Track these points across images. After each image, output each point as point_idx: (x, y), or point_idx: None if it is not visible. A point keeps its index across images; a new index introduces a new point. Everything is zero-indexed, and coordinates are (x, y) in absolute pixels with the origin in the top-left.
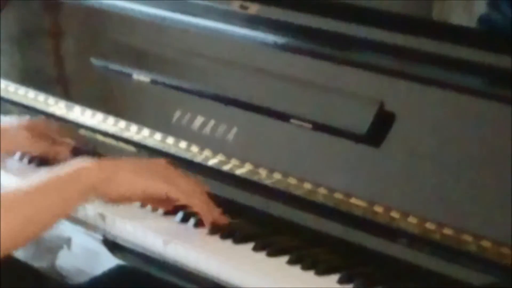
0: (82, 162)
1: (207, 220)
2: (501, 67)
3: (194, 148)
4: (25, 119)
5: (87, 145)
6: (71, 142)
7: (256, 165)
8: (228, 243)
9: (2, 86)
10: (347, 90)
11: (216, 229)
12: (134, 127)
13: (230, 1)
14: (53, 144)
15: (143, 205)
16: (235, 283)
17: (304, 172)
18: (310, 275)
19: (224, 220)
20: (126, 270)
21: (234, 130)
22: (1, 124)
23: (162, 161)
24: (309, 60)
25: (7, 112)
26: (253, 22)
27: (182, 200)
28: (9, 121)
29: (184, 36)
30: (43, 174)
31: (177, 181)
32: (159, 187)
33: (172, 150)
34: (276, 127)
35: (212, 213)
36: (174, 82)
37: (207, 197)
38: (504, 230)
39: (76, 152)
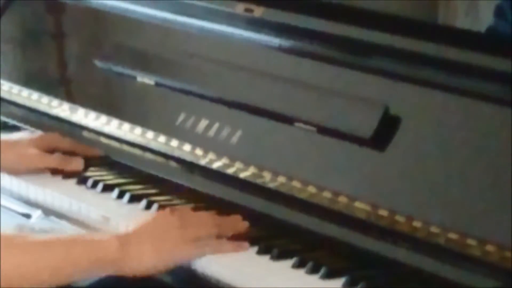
0: (101, 235)
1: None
2: (507, 72)
3: (198, 151)
4: (36, 134)
5: (98, 157)
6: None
7: (260, 168)
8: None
9: (6, 88)
10: (352, 94)
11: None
12: (138, 130)
13: (235, 4)
14: (64, 158)
15: (146, 208)
16: (239, 286)
17: (309, 176)
18: (314, 279)
19: (245, 246)
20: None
21: (239, 133)
22: (9, 141)
23: (169, 218)
24: (314, 63)
25: (10, 114)
26: (258, 25)
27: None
28: (20, 136)
29: (189, 39)
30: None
31: (191, 233)
32: (182, 258)
33: (176, 153)
34: (281, 130)
35: (232, 245)
36: (179, 84)
37: (224, 219)
38: (508, 234)
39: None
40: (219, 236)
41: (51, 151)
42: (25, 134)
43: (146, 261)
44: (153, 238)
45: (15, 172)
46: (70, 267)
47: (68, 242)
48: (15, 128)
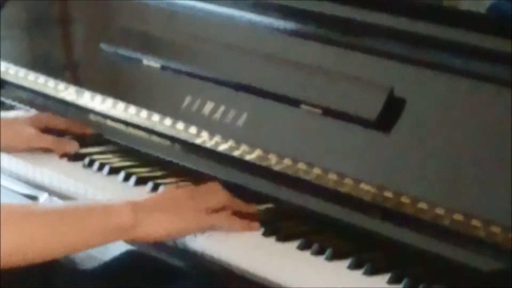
0: (113, 202)
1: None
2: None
3: (204, 134)
4: (31, 113)
5: (93, 135)
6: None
7: (266, 151)
8: None
9: (12, 71)
10: (357, 76)
11: None
12: (144, 113)
13: None
14: (60, 140)
15: (152, 191)
16: (245, 268)
17: (314, 158)
18: (320, 260)
19: (255, 226)
20: (136, 255)
21: (244, 115)
22: (7, 119)
23: (183, 193)
24: (319, 46)
25: (17, 98)
26: (263, 7)
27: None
28: (15, 116)
29: (194, 22)
30: (79, 202)
31: (206, 204)
32: (196, 226)
33: (182, 136)
34: (286, 112)
35: (243, 223)
36: (184, 67)
37: (235, 199)
38: None
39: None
40: (228, 210)
41: (47, 130)
42: (20, 113)
43: (158, 227)
44: (165, 206)
45: (12, 150)
46: (85, 237)
47: (82, 212)
48: (11, 107)
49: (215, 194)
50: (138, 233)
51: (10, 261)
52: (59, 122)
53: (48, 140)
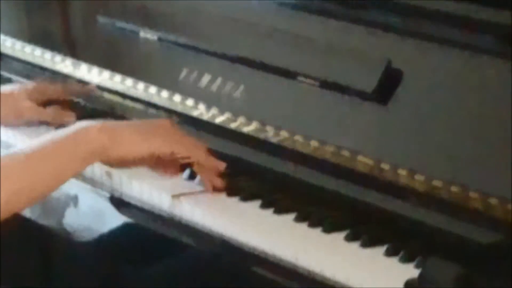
0: (83, 125)
1: (207, 183)
2: (508, 25)
3: (201, 106)
4: (26, 85)
5: (92, 98)
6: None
7: (263, 123)
8: (235, 200)
9: (9, 44)
10: (354, 48)
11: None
12: (141, 85)
13: None
14: (59, 110)
15: None
16: (242, 240)
17: (311, 130)
18: (317, 232)
19: (221, 185)
20: (133, 228)
21: (241, 88)
22: (3, 93)
23: (165, 121)
24: (316, 18)
25: (13, 70)
26: None
27: (187, 157)
28: (11, 88)
29: None
30: (44, 138)
31: (181, 140)
32: (163, 147)
33: (179, 108)
34: (283, 85)
35: (212, 178)
36: (182, 40)
37: (210, 155)
38: (510, 188)
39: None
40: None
41: (45, 101)
42: (16, 86)
43: (128, 143)
44: (139, 128)
45: (10, 124)
46: (64, 168)
47: (56, 146)
48: (8, 80)
49: (195, 148)
50: (110, 152)
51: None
52: (56, 91)
53: (45, 113)
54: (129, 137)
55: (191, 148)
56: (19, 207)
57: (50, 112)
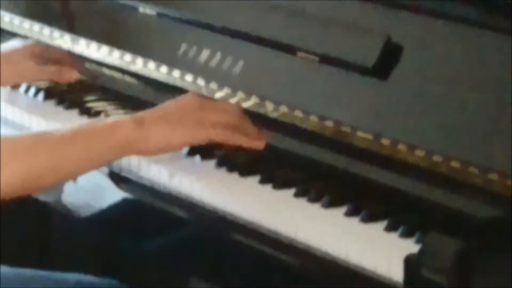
0: (116, 118)
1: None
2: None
3: (201, 81)
4: (28, 44)
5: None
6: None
7: (263, 98)
8: (235, 175)
9: (7, 19)
10: (354, 23)
11: (223, 162)
12: (140, 60)
13: None
14: (60, 69)
15: None
16: (241, 215)
17: (311, 105)
18: (316, 207)
19: (261, 144)
20: (132, 203)
21: (241, 63)
22: (5, 54)
23: (192, 101)
24: None
25: None
26: None
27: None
28: (11, 48)
29: None
30: (76, 125)
31: (213, 120)
32: (198, 136)
33: (178, 83)
34: (283, 60)
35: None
36: (181, 15)
37: (246, 120)
38: (510, 163)
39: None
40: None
41: (44, 60)
42: (16, 43)
43: (159, 138)
44: (168, 116)
45: (10, 84)
46: (92, 157)
47: (87, 133)
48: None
49: (228, 113)
50: (141, 146)
51: (23, 189)
52: (56, 51)
53: (45, 72)
54: (162, 132)
55: (225, 116)
56: (40, 186)
57: (50, 70)
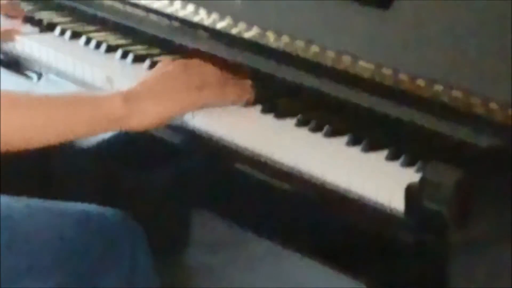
0: (110, 92)
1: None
2: None
3: (202, 12)
4: None
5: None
6: None
7: (264, 28)
8: (236, 106)
9: None
10: None
11: None
12: None
13: None
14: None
15: (150, 68)
16: (242, 144)
17: (312, 35)
18: (317, 136)
19: (251, 97)
20: (133, 134)
21: None
22: None
23: (176, 68)
24: None
25: None
26: None
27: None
28: None
29: None
30: (71, 92)
31: (199, 80)
32: (189, 105)
33: (180, 14)
34: None
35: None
36: None
37: (229, 78)
38: (511, 92)
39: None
40: (223, 86)
41: None
42: None
43: (150, 114)
44: (157, 90)
45: None
46: (76, 125)
47: (73, 100)
48: None
49: (212, 72)
50: (131, 123)
51: (5, 146)
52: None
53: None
54: (153, 107)
55: (209, 75)
56: (24, 143)
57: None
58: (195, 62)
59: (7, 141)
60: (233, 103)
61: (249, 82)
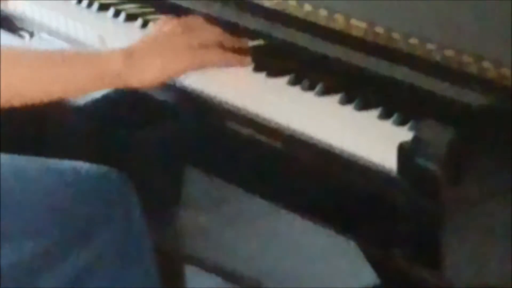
0: (110, 50)
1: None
2: None
3: None
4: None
5: None
6: None
7: None
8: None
9: None
10: None
11: None
12: None
13: None
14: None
15: (142, 27)
16: (234, 103)
17: None
18: (310, 95)
19: (248, 60)
20: (126, 92)
21: None
22: None
23: (175, 24)
24: None
25: None
26: None
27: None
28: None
29: None
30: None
31: (200, 38)
32: (192, 63)
33: None
34: None
35: (236, 57)
36: None
37: (226, 36)
38: (504, 51)
39: None
40: (222, 47)
41: None
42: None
43: (150, 72)
44: (156, 48)
45: None
46: (76, 81)
47: (72, 56)
48: None
49: (211, 31)
50: (131, 80)
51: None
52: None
53: None
54: (156, 65)
55: (209, 34)
56: (24, 99)
57: None
58: (195, 21)
59: (7, 97)
60: (232, 65)
61: (247, 42)
